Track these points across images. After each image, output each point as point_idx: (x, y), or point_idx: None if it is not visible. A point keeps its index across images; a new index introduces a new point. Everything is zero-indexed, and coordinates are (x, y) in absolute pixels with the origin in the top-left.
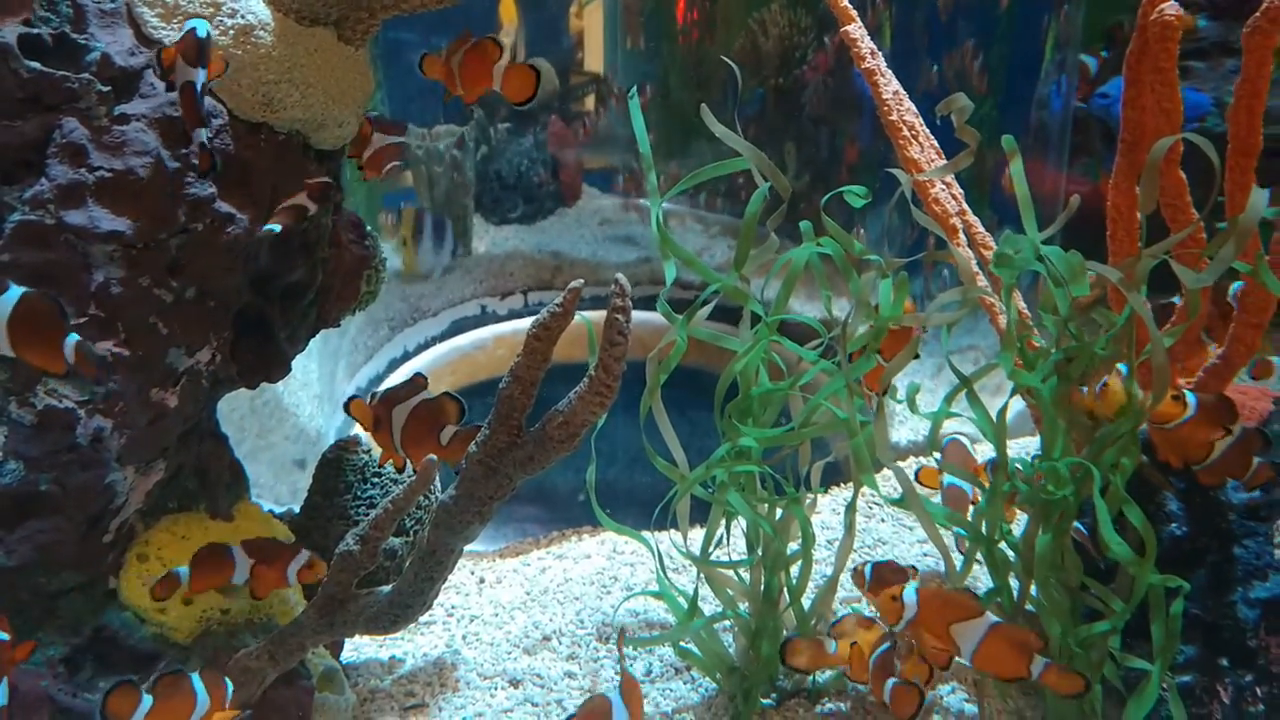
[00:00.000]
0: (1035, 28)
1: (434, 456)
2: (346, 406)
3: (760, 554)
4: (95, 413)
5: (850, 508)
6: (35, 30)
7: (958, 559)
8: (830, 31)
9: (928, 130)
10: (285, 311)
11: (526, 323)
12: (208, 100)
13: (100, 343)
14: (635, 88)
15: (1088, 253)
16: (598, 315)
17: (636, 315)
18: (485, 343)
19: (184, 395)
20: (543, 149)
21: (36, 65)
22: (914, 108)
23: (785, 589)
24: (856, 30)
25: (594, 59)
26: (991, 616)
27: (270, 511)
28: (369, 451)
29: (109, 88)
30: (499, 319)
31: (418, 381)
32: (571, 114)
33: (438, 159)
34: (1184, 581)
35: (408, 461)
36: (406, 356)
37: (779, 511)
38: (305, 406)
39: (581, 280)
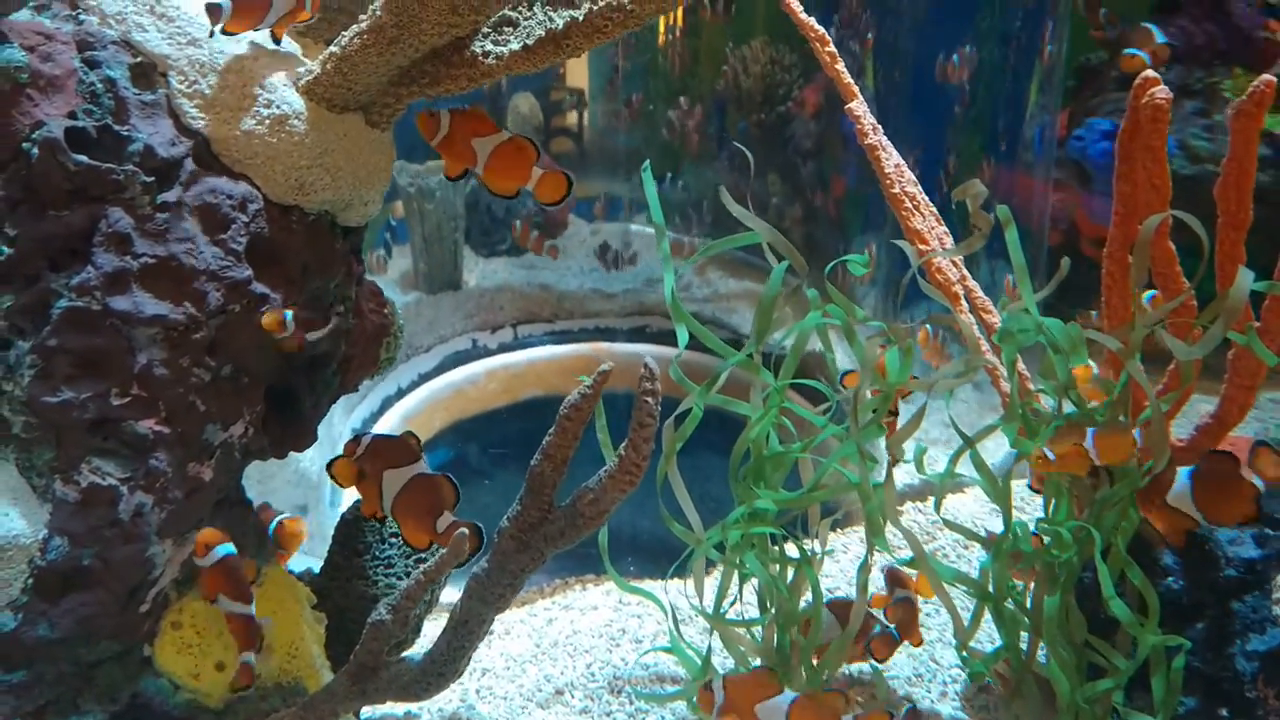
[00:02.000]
0: (1022, 73)
1: (464, 530)
2: (330, 468)
3: (773, 612)
4: (137, 489)
5: (863, 568)
6: (80, 123)
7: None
8: (816, 70)
9: (928, 200)
10: (311, 382)
11: (517, 356)
12: (243, 185)
13: (142, 421)
14: (648, 162)
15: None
16: (588, 348)
17: (627, 348)
18: (477, 377)
19: (218, 468)
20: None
21: (84, 159)
22: (914, 178)
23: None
24: (860, 108)
25: (576, 74)
26: (790, 693)
27: (290, 572)
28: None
29: (152, 178)
30: (489, 353)
31: (410, 443)
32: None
33: (429, 195)
34: (1185, 640)
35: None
36: (400, 394)
37: (790, 571)
38: (306, 451)
39: (611, 364)
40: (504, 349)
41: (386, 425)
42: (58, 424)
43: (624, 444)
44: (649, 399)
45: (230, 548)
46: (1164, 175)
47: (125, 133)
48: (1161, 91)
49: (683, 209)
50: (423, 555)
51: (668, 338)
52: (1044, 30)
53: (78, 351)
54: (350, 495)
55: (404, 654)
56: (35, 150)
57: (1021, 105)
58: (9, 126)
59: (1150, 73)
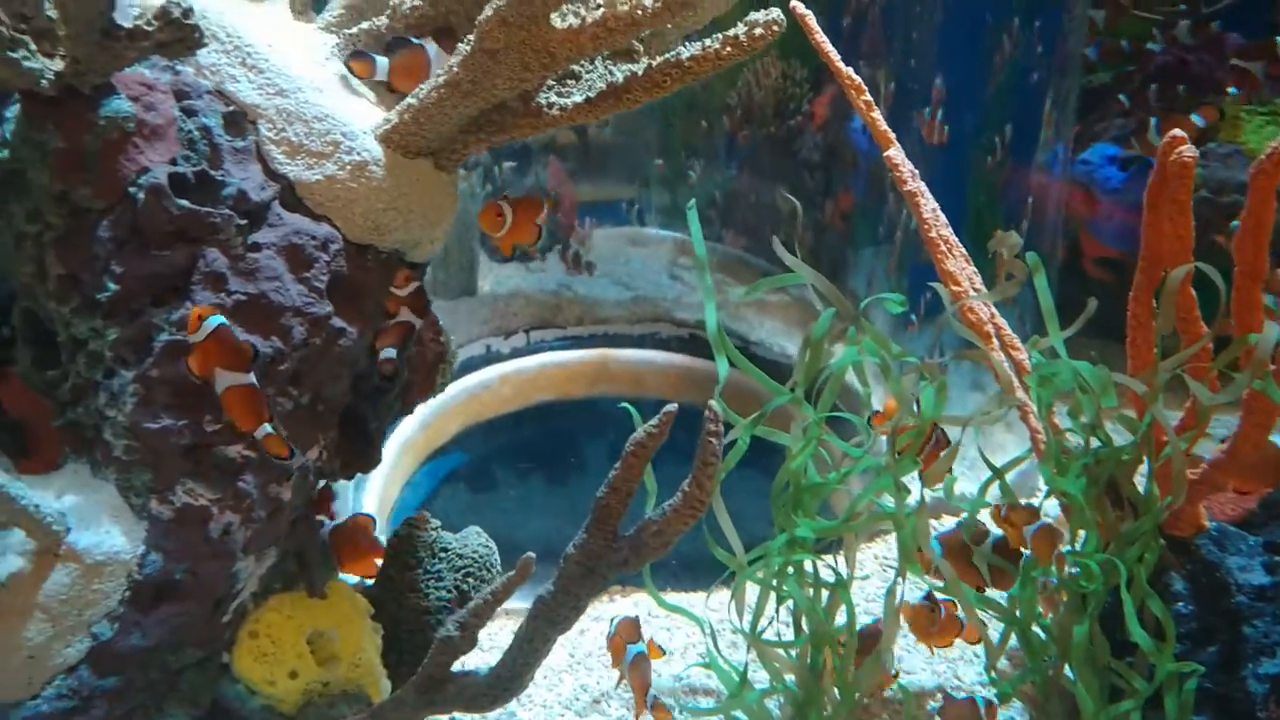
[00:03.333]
0: (1036, 97)
1: (532, 554)
2: None
3: (809, 633)
4: (225, 509)
5: (890, 592)
6: (180, 169)
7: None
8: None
9: (959, 243)
10: (376, 407)
11: (529, 361)
12: (325, 226)
13: (231, 446)
14: (694, 201)
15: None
16: (596, 354)
17: (642, 355)
18: (491, 383)
19: (295, 489)
20: (544, 187)
21: (185, 203)
22: (948, 222)
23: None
24: (897, 155)
25: None
26: None
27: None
28: (437, 528)
29: (245, 220)
30: (503, 358)
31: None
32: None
33: None
34: (1199, 666)
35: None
36: None
37: (824, 592)
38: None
39: (675, 405)
40: (516, 354)
41: (404, 430)
42: (156, 448)
43: (688, 480)
44: (713, 439)
45: (222, 318)
46: (1188, 227)
47: (220, 177)
48: (1189, 150)
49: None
50: (469, 568)
51: (676, 344)
52: (1058, 56)
53: (176, 381)
54: (400, 512)
55: (470, 667)
56: (141, 195)
57: (1035, 130)
58: (117, 172)
59: (1178, 131)
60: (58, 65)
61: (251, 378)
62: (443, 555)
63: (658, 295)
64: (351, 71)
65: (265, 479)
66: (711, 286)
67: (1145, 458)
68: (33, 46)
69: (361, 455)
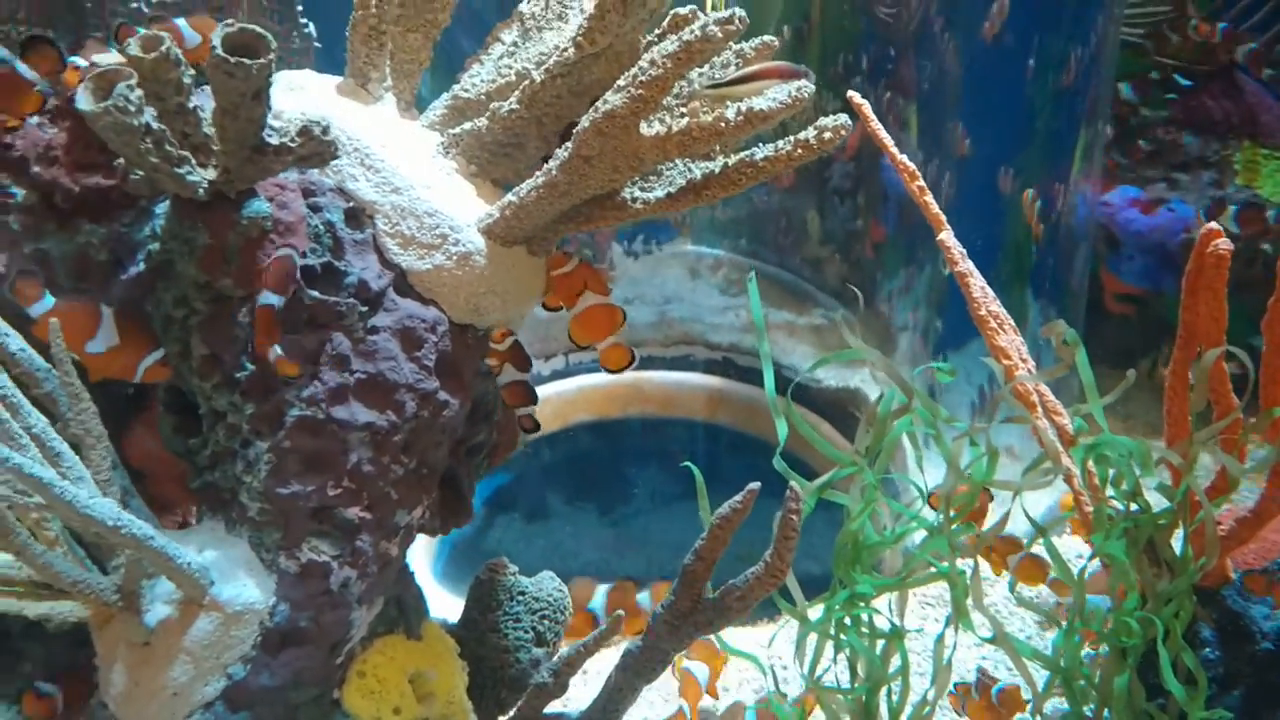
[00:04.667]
0: (1066, 138)
1: (622, 612)
2: None
3: (865, 679)
4: (345, 564)
5: (940, 640)
6: (310, 262)
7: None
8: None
9: (1009, 317)
10: (467, 467)
11: (568, 384)
12: (433, 310)
13: (350, 508)
14: (753, 272)
15: None
16: (630, 377)
17: (675, 376)
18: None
19: (401, 545)
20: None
21: (316, 294)
22: (997, 297)
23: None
24: (949, 238)
25: None
26: None
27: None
28: (515, 573)
29: (366, 308)
30: (543, 380)
31: None
32: None
33: None
34: (1226, 713)
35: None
36: None
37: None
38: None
39: (758, 484)
40: (556, 376)
41: None
42: (286, 510)
43: (769, 550)
44: (793, 515)
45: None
46: (1222, 310)
47: (343, 268)
48: (1224, 243)
49: (725, 226)
50: (544, 611)
51: (710, 366)
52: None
53: (305, 451)
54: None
55: (562, 711)
56: None
57: (1065, 173)
58: (256, 265)
59: (1214, 225)
60: (211, 175)
61: (277, 300)
62: (520, 598)
63: (692, 318)
64: None
65: (379, 537)
66: (768, 353)
67: (1181, 522)
68: (194, 162)
69: (457, 513)
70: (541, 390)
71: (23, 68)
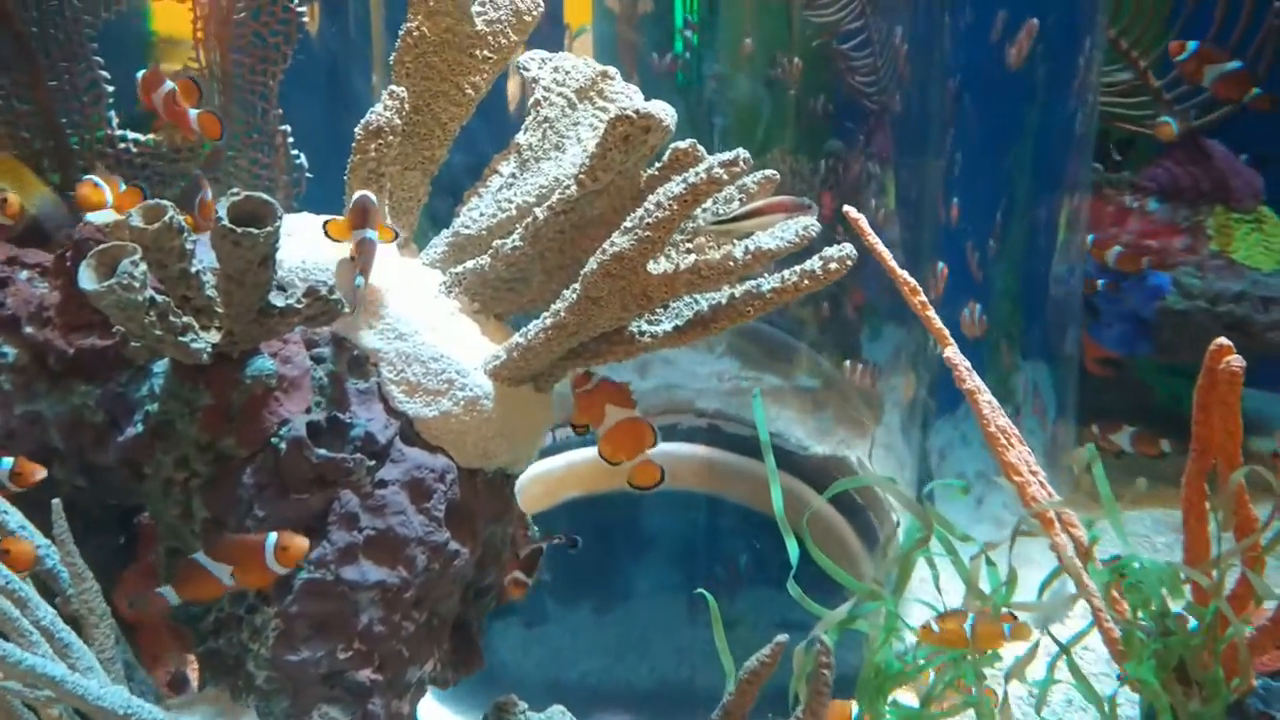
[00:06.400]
0: (1049, 209)
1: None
2: None
3: None
4: None
5: None
6: (315, 417)
7: None
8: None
9: (1016, 430)
10: (476, 609)
11: (556, 461)
12: (441, 458)
13: (361, 671)
14: (759, 390)
15: None
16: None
17: (663, 447)
18: (522, 484)
19: (413, 701)
20: None
21: (324, 452)
22: (1005, 412)
23: None
24: (955, 355)
25: None
26: None
27: None
28: (524, 711)
29: (373, 461)
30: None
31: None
32: None
33: None
34: None
35: None
36: None
37: None
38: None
39: (786, 636)
40: (544, 454)
41: None
42: (295, 678)
43: (802, 706)
44: (825, 671)
45: None
46: (1237, 423)
47: (348, 420)
48: (1236, 360)
49: None
50: None
51: (697, 434)
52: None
53: (314, 616)
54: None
55: None
56: (284, 446)
57: (1051, 241)
58: (260, 424)
59: (1224, 340)
60: (215, 338)
61: None
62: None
63: (680, 384)
64: None
65: (390, 697)
66: (775, 467)
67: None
68: (197, 328)
69: (468, 660)
70: (531, 469)
71: None
